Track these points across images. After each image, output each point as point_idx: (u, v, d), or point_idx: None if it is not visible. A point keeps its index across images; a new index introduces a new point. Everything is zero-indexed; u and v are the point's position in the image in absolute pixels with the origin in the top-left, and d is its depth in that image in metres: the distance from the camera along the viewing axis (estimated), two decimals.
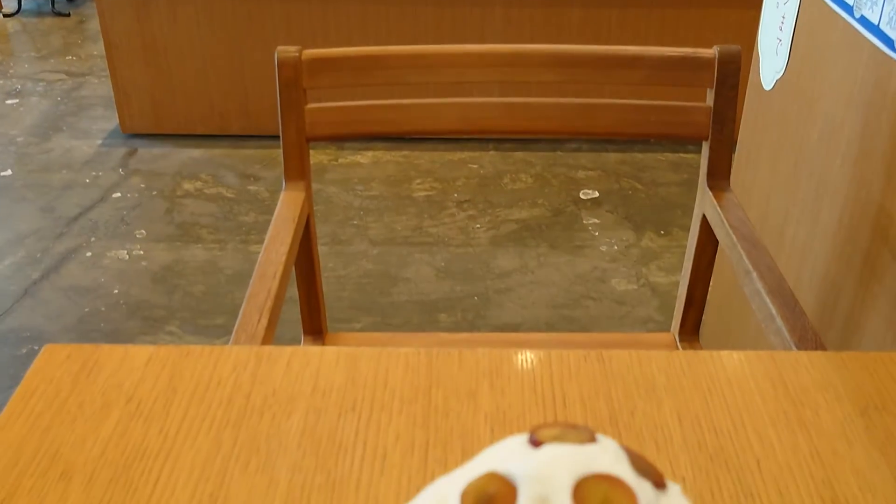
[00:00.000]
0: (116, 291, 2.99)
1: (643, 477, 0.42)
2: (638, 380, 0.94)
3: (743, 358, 0.98)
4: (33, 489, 0.79)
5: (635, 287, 3.00)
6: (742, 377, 0.94)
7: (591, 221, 3.39)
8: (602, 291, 2.98)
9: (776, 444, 0.85)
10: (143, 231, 3.34)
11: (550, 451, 0.41)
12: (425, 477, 0.81)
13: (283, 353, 0.97)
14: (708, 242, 1.56)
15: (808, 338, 1.25)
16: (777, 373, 0.95)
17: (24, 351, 2.69)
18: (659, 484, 0.43)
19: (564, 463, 0.40)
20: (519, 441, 0.45)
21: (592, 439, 0.43)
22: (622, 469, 0.41)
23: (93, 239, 3.28)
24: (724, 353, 0.99)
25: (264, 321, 1.21)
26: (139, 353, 0.97)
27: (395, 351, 0.98)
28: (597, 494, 0.39)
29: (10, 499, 0.78)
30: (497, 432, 0.86)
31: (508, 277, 3.06)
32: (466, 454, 0.83)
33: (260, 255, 1.38)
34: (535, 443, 0.43)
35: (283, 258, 1.32)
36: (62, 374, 0.93)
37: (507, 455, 0.43)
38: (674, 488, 0.43)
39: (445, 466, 0.82)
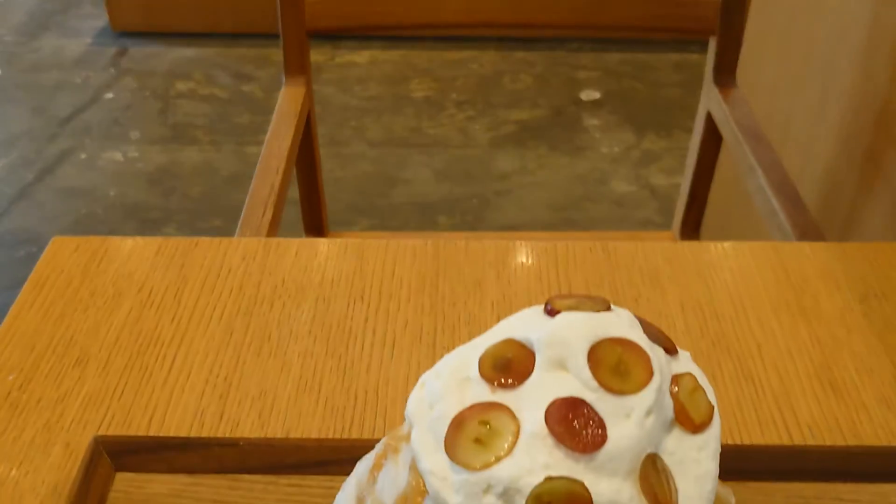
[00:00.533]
0: (112, 193, 2.99)
1: (656, 343, 0.43)
2: (642, 269, 0.95)
3: (745, 248, 0.99)
4: (50, 373, 0.81)
5: (635, 189, 3.00)
6: (744, 267, 0.96)
7: (591, 123, 3.37)
8: (602, 193, 2.99)
9: (777, 331, 0.87)
10: (138, 132, 3.31)
11: (566, 317, 0.42)
12: (434, 361, 0.82)
13: (290, 245, 0.98)
14: (711, 140, 1.56)
15: (809, 233, 1.26)
16: (779, 262, 0.96)
17: (23, 253, 2.70)
18: (671, 350, 0.44)
19: (580, 328, 0.41)
20: (535, 311, 0.46)
21: (608, 308, 0.44)
22: (636, 335, 0.42)
23: (87, 140, 3.25)
24: (727, 243, 1.00)
25: (268, 215, 1.22)
26: (148, 244, 0.98)
27: (402, 242, 0.99)
28: (611, 356, 0.40)
29: (28, 382, 0.80)
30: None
31: (508, 179, 3.06)
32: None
33: (262, 150, 1.37)
34: (551, 312, 0.44)
35: (286, 153, 1.32)
36: (72, 265, 0.94)
37: (524, 323, 0.45)
38: (684, 355, 0.45)
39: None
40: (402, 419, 0.82)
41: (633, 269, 0.95)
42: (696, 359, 0.84)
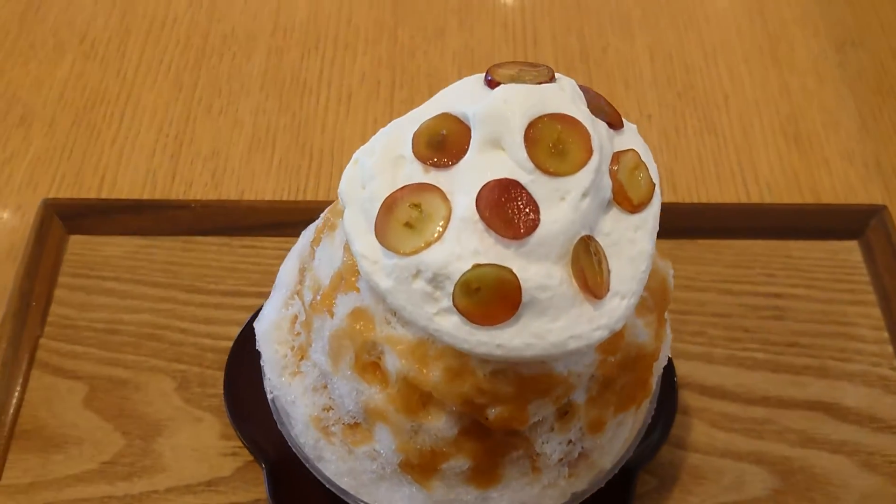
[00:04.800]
0: None
1: (599, 117, 0.41)
2: (613, 16, 0.90)
3: None
4: None
5: None
6: (721, 12, 0.91)
7: None
8: None
9: (746, 81, 0.84)
10: None
11: (504, 90, 0.39)
12: (391, 117, 0.80)
13: None
14: None
15: None
16: (757, 7, 0.91)
17: None
18: (615, 124, 0.42)
19: (518, 102, 0.39)
20: (475, 81, 0.43)
21: (551, 78, 0.41)
22: (578, 109, 0.39)
23: None
24: None
25: None
26: None
27: None
28: (549, 134, 0.38)
29: None
30: (465, 72, 0.84)
31: None
32: (434, 94, 0.82)
33: None
34: (491, 83, 0.41)
35: None
36: (7, 13, 0.88)
37: (462, 96, 0.42)
38: (630, 128, 0.43)
39: (412, 107, 0.81)
40: None
41: (604, 16, 0.90)
42: (660, 111, 0.82)
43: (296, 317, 0.49)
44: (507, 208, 0.37)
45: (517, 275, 0.37)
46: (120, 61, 0.84)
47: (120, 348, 0.64)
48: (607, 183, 0.40)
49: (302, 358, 0.48)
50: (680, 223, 0.71)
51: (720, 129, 0.80)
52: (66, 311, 0.66)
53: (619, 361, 0.43)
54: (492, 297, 0.37)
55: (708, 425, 0.62)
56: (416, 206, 0.39)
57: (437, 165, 0.40)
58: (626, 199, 0.40)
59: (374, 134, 0.81)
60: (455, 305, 0.37)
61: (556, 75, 0.42)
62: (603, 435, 0.47)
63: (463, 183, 0.39)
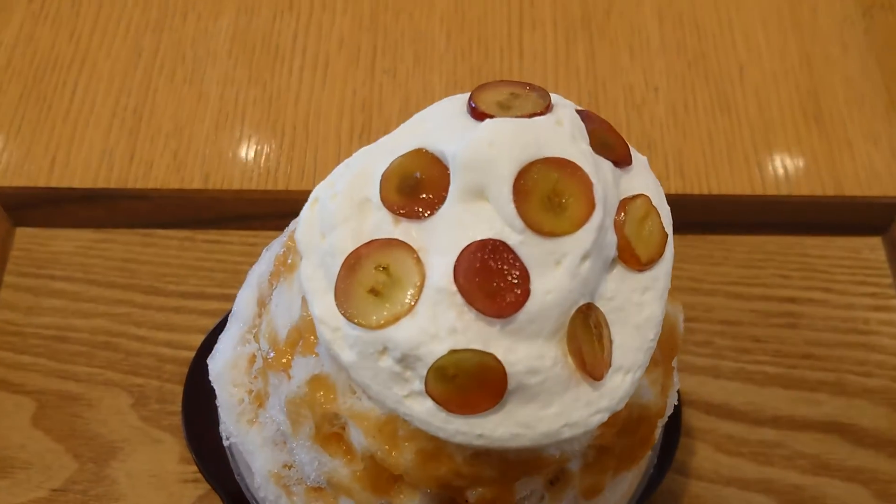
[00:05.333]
0: None
1: (604, 154, 0.34)
2: None
3: None
4: None
5: None
6: None
7: None
8: None
9: (763, 49, 0.77)
10: None
11: (490, 128, 0.32)
12: (373, 88, 0.73)
13: None
14: None
15: None
16: None
17: None
18: (622, 160, 0.35)
19: (506, 145, 0.32)
20: (457, 106, 0.36)
21: (546, 108, 0.34)
22: (578, 150, 0.33)
23: None
24: None
25: None
26: None
27: None
28: (544, 184, 0.32)
29: None
30: (454, 38, 0.76)
31: None
32: (420, 62, 0.74)
33: None
34: (476, 112, 0.34)
35: None
36: None
37: (440, 126, 0.35)
38: (639, 161, 0.36)
39: (395, 77, 0.73)
40: (335, 162, 0.74)
41: None
42: (668, 83, 0.75)
43: (254, 356, 0.44)
44: (490, 278, 0.31)
45: (502, 359, 0.31)
46: (74, 22, 0.76)
47: (71, 359, 0.59)
48: (612, 240, 0.33)
49: (260, 405, 0.43)
50: (688, 217, 0.65)
51: (734, 106, 0.73)
52: (11, 316, 0.60)
53: (619, 428, 0.38)
54: (471, 384, 0.31)
55: (713, 449, 0.57)
56: (384, 268, 0.33)
57: (409, 216, 0.33)
58: (633, 258, 0.34)
59: (354, 107, 0.73)
60: (428, 392, 0.32)
61: (553, 99, 0.36)
62: (601, 496, 0.41)
63: (439, 241, 0.33)
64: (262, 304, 0.44)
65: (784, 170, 0.69)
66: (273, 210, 0.65)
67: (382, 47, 0.76)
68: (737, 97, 0.74)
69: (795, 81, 0.75)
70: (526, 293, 0.31)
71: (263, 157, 0.69)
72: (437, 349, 0.31)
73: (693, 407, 0.58)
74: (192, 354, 0.57)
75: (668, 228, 0.35)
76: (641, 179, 0.36)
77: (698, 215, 0.66)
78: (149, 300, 0.61)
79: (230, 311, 0.47)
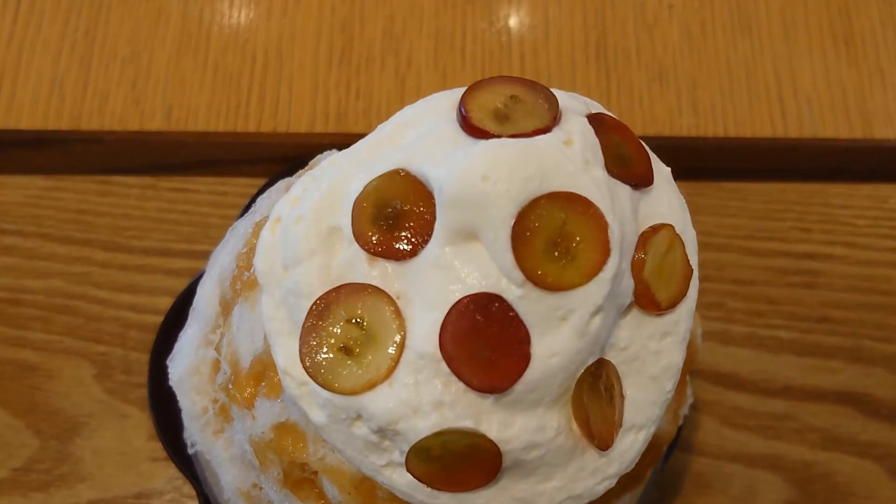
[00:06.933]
0: None
1: (621, 175, 0.28)
2: None
3: None
4: None
5: None
6: None
7: None
8: None
9: None
10: None
11: (484, 156, 0.26)
12: (353, 5, 0.65)
13: None
14: None
15: None
16: None
17: None
18: (643, 180, 0.29)
19: (504, 179, 0.25)
20: (445, 110, 0.29)
21: (552, 119, 0.28)
22: (591, 179, 0.27)
23: None
24: None
25: None
26: None
27: None
28: (549, 226, 0.26)
29: None
30: None
31: None
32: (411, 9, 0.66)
33: None
34: (467, 124, 0.28)
35: None
36: None
37: (424, 139, 0.28)
38: (662, 176, 0.30)
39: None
40: (310, 97, 0.67)
41: None
42: (683, 2, 0.67)
43: (217, 363, 0.39)
44: (483, 344, 0.26)
45: (496, 437, 0.26)
46: None
47: (27, 324, 0.54)
48: (628, 286, 0.28)
49: (226, 420, 0.38)
50: (701, 162, 0.59)
51: (756, 27, 0.66)
52: None
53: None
54: (459, 464, 0.27)
55: (718, 422, 0.54)
56: (357, 321, 0.27)
57: (386, 255, 0.28)
58: (651, 303, 0.28)
59: (331, 30, 0.67)
60: (408, 470, 0.27)
61: (562, 102, 0.29)
62: None
63: (423, 290, 0.27)
64: (226, 306, 0.39)
65: (808, 101, 0.63)
66: (243, 155, 0.58)
67: None
68: (760, 17, 0.66)
69: (826, 1, 0.67)
70: (525, 360, 0.26)
71: (232, 85, 0.62)
72: (420, 425, 0.26)
73: (700, 377, 0.54)
74: (158, 319, 0.52)
75: (693, 259, 0.30)
76: (664, 200, 0.30)
77: (713, 160, 0.60)
78: (109, 257, 0.56)
79: (201, 273, 0.42)
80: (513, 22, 0.66)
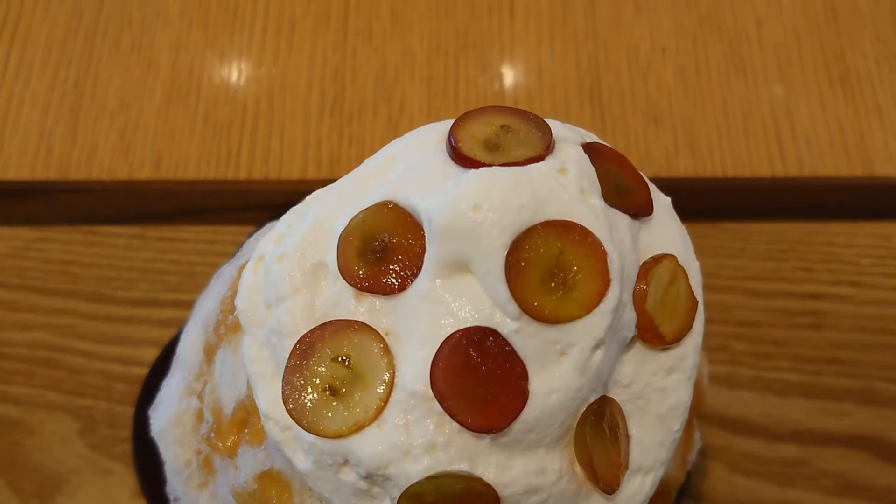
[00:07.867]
0: None
1: (619, 205, 0.27)
2: None
3: None
4: None
5: None
6: None
7: None
8: None
9: (784, 1, 0.68)
10: None
11: (476, 185, 0.25)
12: (345, 55, 0.64)
13: None
14: None
15: None
16: None
17: None
18: (642, 209, 0.28)
19: (497, 206, 0.24)
20: (435, 140, 0.28)
21: (545, 147, 0.27)
22: (588, 207, 0.25)
23: None
24: None
25: None
26: None
27: None
28: (545, 257, 0.24)
29: None
30: None
31: None
32: (398, 22, 0.66)
33: None
34: (460, 157, 0.27)
35: None
36: None
37: (414, 169, 0.27)
38: (661, 206, 0.29)
39: (370, 40, 0.65)
40: (302, 146, 0.66)
41: None
42: (677, 44, 0.66)
43: (201, 413, 0.37)
44: (477, 381, 0.25)
45: (493, 481, 0.25)
46: None
47: (8, 378, 0.52)
48: (630, 318, 0.26)
49: (210, 473, 0.36)
50: (701, 202, 0.58)
51: (751, 68, 0.65)
52: None
53: None
54: None
55: (728, 469, 0.52)
56: (343, 359, 0.26)
57: (373, 290, 0.26)
58: (656, 337, 0.27)
59: (325, 75, 0.66)
60: None
61: (555, 132, 0.28)
62: None
63: (412, 326, 0.26)
64: (209, 352, 0.37)
65: (807, 140, 0.62)
66: (232, 202, 0.57)
67: (356, 4, 0.67)
68: (754, 58, 0.66)
69: (820, 39, 0.67)
70: (522, 397, 0.25)
71: (222, 135, 0.61)
72: (411, 469, 0.25)
73: (706, 422, 0.52)
74: (145, 371, 0.50)
75: (698, 291, 0.28)
76: (665, 230, 0.29)
77: (712, 200, 0.58)
78: (94, 309, 0.54)
79: (188, 319, 0.41)
80: (506, 67, 0.66)
